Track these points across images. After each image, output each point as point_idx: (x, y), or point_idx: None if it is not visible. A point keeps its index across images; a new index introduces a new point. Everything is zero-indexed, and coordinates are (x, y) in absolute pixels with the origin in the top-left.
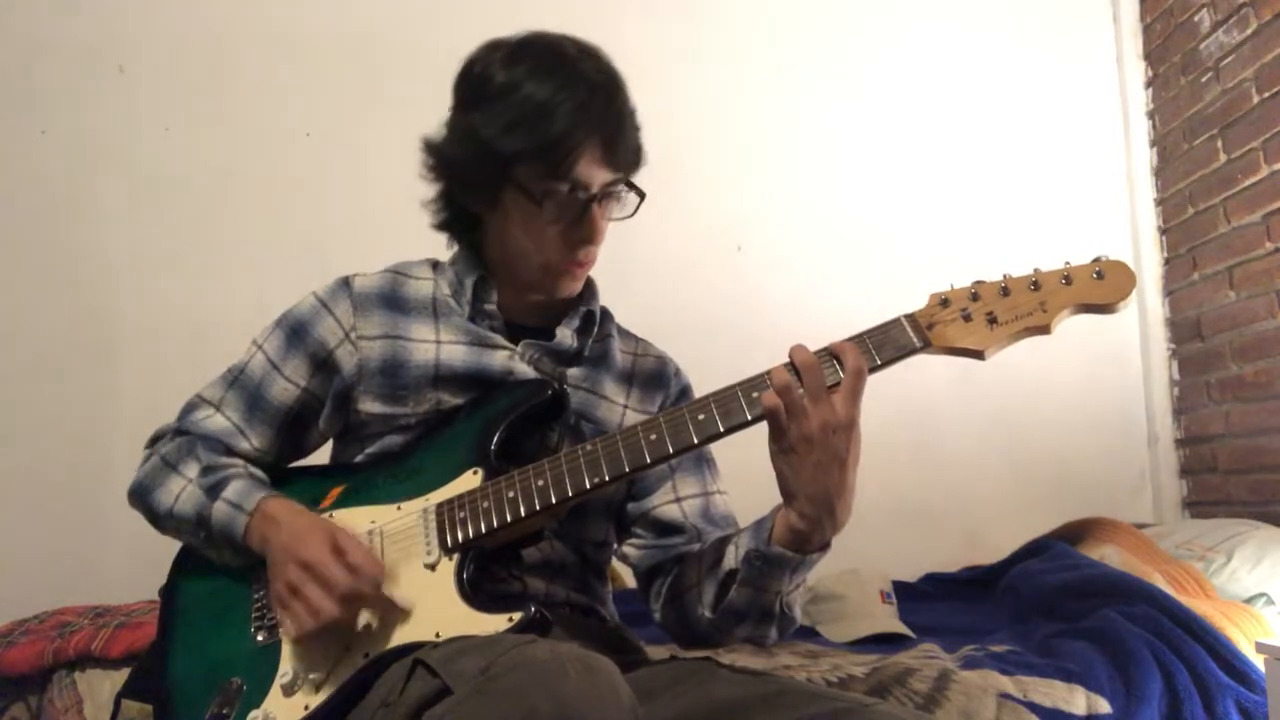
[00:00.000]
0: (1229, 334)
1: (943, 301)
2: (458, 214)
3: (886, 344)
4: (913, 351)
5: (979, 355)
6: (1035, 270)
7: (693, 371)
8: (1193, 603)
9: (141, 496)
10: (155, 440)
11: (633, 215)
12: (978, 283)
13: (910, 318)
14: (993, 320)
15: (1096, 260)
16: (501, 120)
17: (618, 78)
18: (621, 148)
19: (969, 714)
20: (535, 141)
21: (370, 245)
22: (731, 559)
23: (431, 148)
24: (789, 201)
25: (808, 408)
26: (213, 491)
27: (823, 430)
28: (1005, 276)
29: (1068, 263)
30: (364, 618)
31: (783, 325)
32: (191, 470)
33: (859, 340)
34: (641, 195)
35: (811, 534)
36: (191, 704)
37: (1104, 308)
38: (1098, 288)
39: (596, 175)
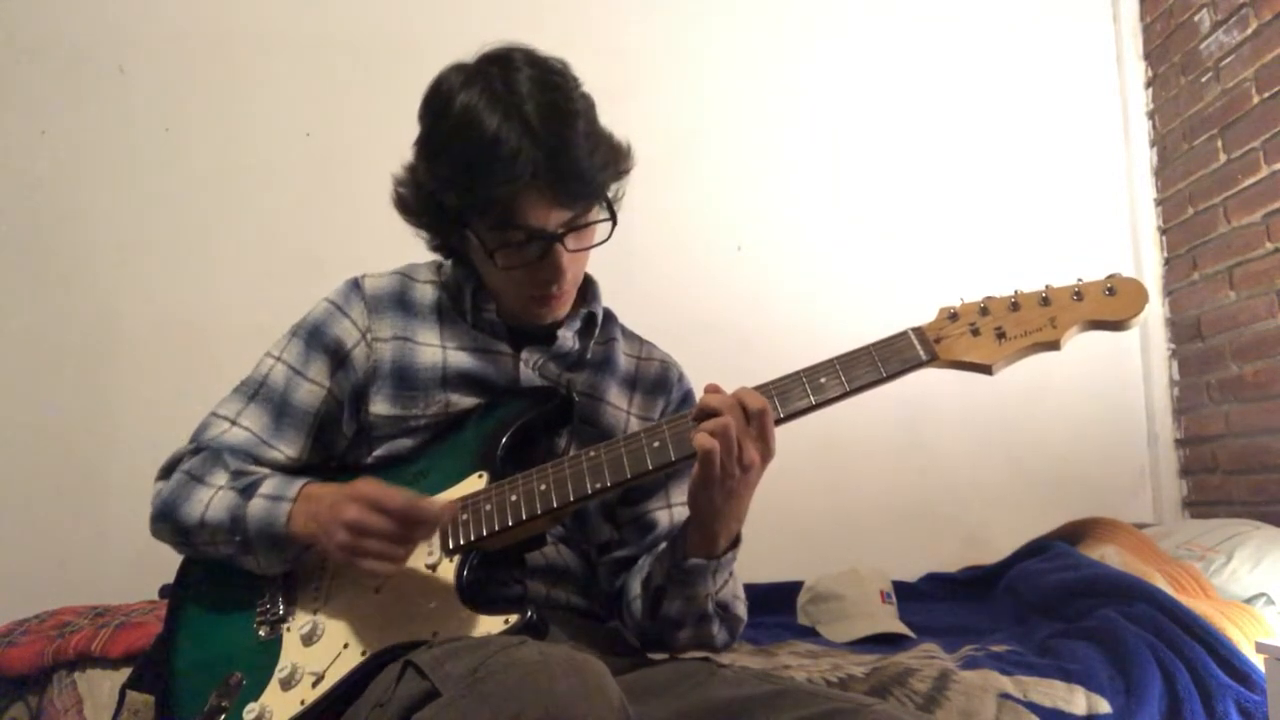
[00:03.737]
0: (1229, 334)
1: (951, 315)
2: (443, 242)
3: (893, 357)
4: (919, 365)
5: (986, 370)
6: (1046, 285)
7: (693, 371)
8: (1193, 603)
9: (167, 515)
10: (170, 467)
11: (607, 240)
12: (987, 297)
13: (918, 331)
14: (1001, 335)
15: (1109, 276)
16: (442, 174)
17: (564, 106)
18: (572, 185)
19: (969, 714)
20: (475, 199)
21: (370, 246)
22: (659, 576)
23: (398, 190)
24: (789, 201)
25: (748, 444)
26: (247, 492)
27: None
28: (1015, 291)
29: (1079, 278)
30: (366, 610)
31: (783, 325)
32: (220, 479)
33: (865, 352)
34: (613, 220)
35: (720, 537)
36: (191, 696)
37: (1115, 325)
38: (1109, 304)
39: (550, 217)
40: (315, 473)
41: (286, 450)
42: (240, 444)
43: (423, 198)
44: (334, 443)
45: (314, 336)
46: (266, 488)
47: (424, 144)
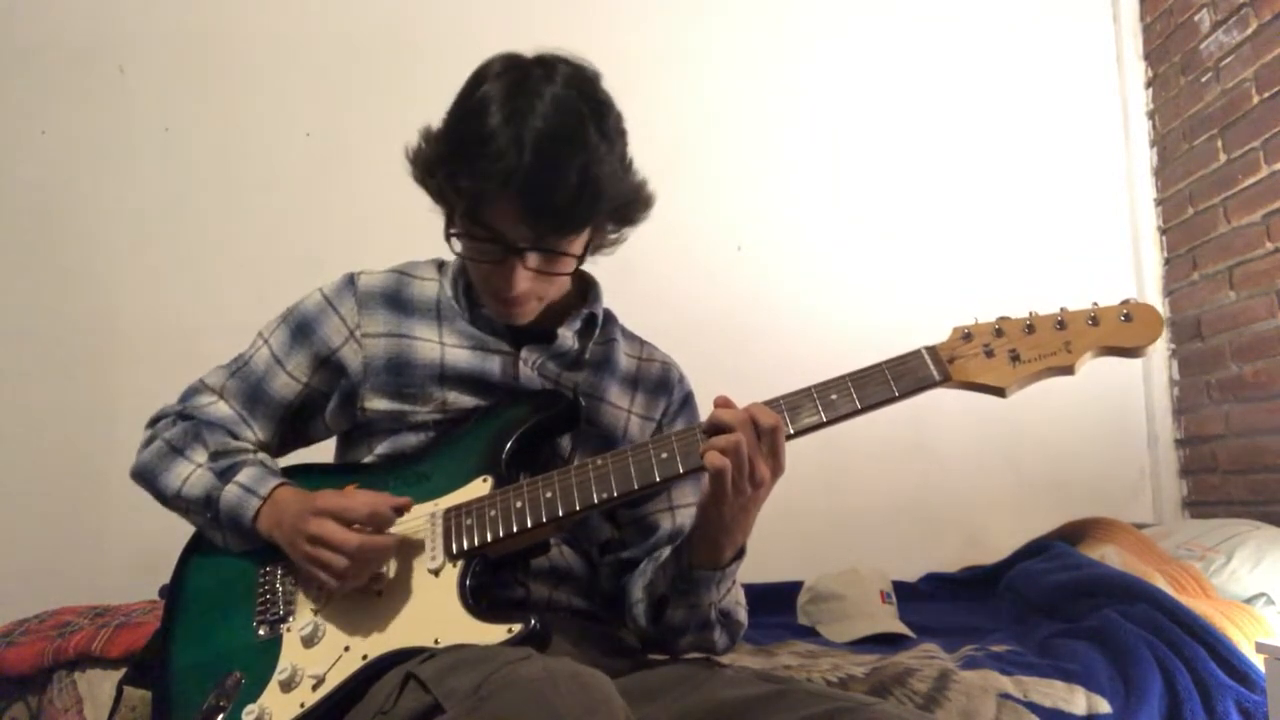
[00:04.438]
0: (1229, 334)
1: (965, 335)
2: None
3: (905, 375)
4: (932, 385)
5: (1000, 393)
6: (1061, 309)
7: (693, 372)
8: (1193, 603)
9: (146, 478)
10: (156, 420)
11: (567, 275)
12: (1002, 318)
13: (931, 350)
14: (1015, 358)
15: (1125, 302)
16: (440, 147)
17: (571, 140)
18: (543, 212)
19: (969, 714)
20: (451, 179)
21: (370, 245)
22: (662, 583)
23: (418, 145)
24: (789, 201)
25: (759, 462)
26: (224, 475)
27: (772, 478)
28: (1031, 313)
29: (1095, 303)
30: (367, 613)
31: (783, 325)
32: (200, 456)
33: (878, 370)
34: (579, 259)
35: (726, 549)
36: (189, 694)
37: (1130, 351)
38: (1125, 331)
39: (511, 230)
40: (299, 476)
41: (259, 434)
42: (221, 419)
43: (423, 161)
44: (311, 433)
45: (301, 330)
46: (244, 476)
47: (447, 115)
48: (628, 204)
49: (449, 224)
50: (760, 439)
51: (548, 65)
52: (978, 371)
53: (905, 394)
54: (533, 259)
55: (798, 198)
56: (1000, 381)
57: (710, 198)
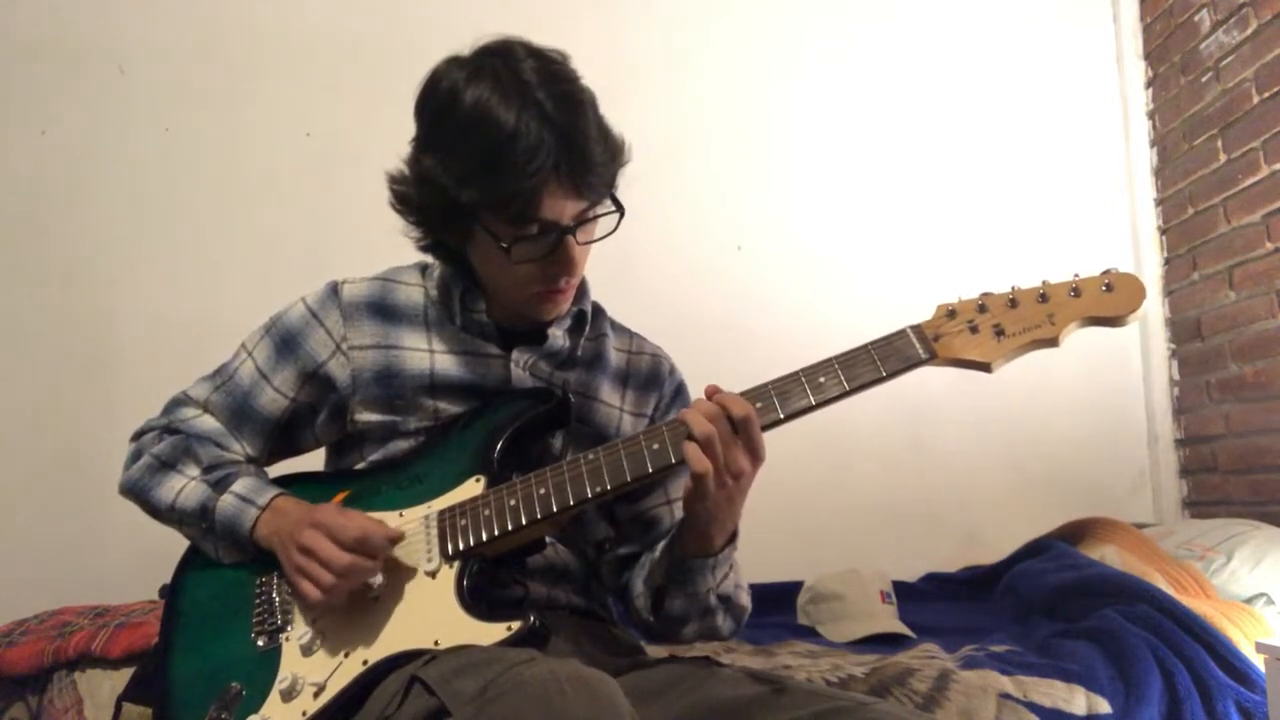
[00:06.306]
0: (1229, 334)
1: (949, 313)
2: (438, 242)
3: (892, 355)
4: (919, 363)
5: (985, 368)
6: (1043, 282)
7: (692, 371)
8: (1193, 603)
9: (136, 493)
10: (141, 434)
11: (614, 232)
12: (985, 294)
13: (916, 329)
14: (1000, 332)
15: (1106, 272)
16: (457, 169)
17: (576, 97)
18: (587, 174)
19: (969, 714)
20: (492, 194)
21: (369, 246)
22: (659, 575)
23: (395, 189)
24: (789, 201)
25: (735, 453)
26: (220, 485)
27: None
28: (1013, 288)
29: (1076, 274)
30: (365, 619)
31: (782, 325)
32: (192, 470)
33: (864, 351)
34: (621, 211)
35: (716, 538)
36: (190, 707)
37: (1113, 320)
38: (1107, 300)
39: (565, 209)
40: (291, 483)
41: (247, 449)
42: (208, 433)
43: (433, 194)
44: (300, 444)
45: (286, 344)
46: (239, 486)
47: (431, 140)
48: (620, 147)
49: (481, 242)
50: (736, 431)
51: (501, 52)
52: (963, 348)
53: (892, 374)
54: (581, 233)
55: (798, 198)
56: (986, 357)
57: (710, 198)
